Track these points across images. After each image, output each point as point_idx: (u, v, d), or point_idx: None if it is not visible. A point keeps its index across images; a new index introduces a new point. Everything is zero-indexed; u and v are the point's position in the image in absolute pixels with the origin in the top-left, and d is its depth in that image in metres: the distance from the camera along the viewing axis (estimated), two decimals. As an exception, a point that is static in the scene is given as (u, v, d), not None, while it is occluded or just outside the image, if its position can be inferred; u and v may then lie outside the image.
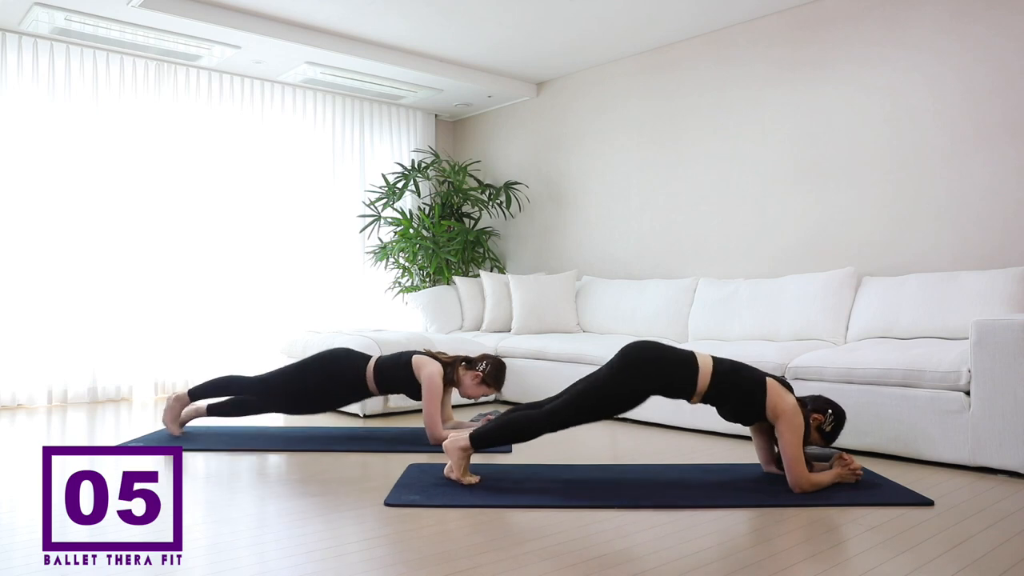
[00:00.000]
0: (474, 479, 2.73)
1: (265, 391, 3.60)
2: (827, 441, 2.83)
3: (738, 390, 2.70)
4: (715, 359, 2.75)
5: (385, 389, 3.62)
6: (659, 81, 5.37)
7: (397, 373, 3.56)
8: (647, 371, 2.70)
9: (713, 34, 5.05)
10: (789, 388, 2.74)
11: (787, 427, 2.63)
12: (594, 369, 4.38)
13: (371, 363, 3.60)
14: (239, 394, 3.65)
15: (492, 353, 4.91)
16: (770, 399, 2.66)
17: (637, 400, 2.71)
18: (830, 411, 2.80)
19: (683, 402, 4.00)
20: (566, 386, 4.46)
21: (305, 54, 5.24)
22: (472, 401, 4.31)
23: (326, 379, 3.58)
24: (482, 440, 2.72)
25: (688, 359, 2.72)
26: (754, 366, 2.85)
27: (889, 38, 4.24)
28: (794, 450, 2.62)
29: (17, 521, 2.38)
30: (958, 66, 3.99)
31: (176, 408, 3.62)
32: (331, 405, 3.71)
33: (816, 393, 3.15)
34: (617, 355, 2.77)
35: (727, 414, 2.78)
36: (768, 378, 2.72)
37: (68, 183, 4.96)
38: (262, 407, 3.64)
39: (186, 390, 3.69)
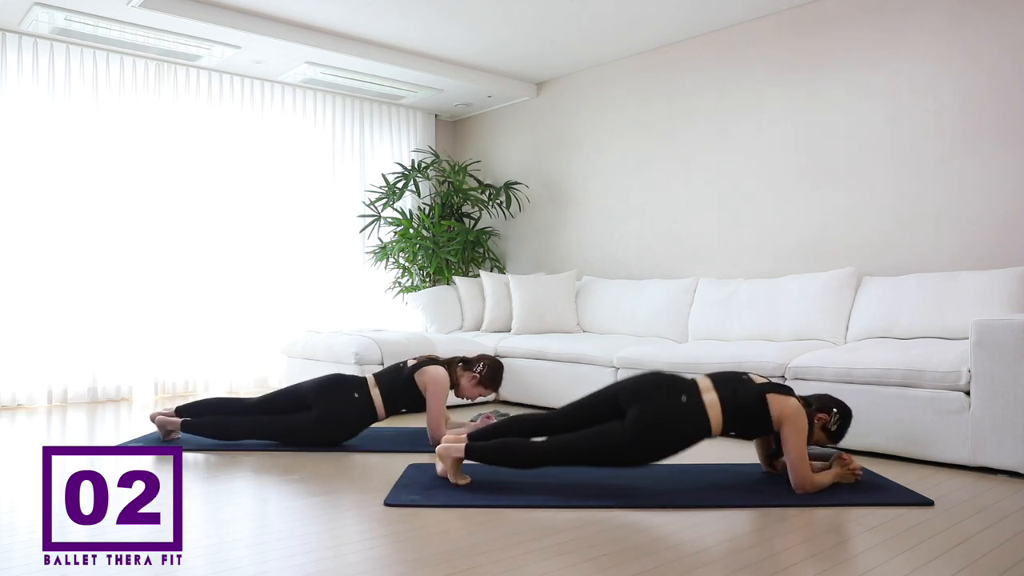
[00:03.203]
0: (465, 480, 2.73)
1: (256, 428, 3.45)
2: (834, 440, 2.81)
3: (748, 419, 2.67)
4: (720, 397, 2.62)
5: (392, 410, 3.54)
6: (659, 81, 5.37)
7: (401, 391, 3.48)
8: (661, 440, 2.62)
9: (713, 34, 5.06)
10: (788, 390, 2.72)
11: (791, 430, 2.61)
12: (593, 368, 4.40)
13: (374, 391, 3.48)
14: (230, 421, 3.50)
15: (491, 353, 4.92)
16: (773, 411, 2.63)
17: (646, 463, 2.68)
18: (835, 410, 2.77)
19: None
20: (565, 385, 4.46)
21: (305, 54, 5.24)
22: (470, 401, 4.31)
23: (331, 423, 3.43)
24: (476, 455, 2.71)
25: (698, 414, 2.59)
26: (751, 376, 2.77)
27: (888, 40, 4.24)
28: (799, 452, 2.61)
29: (17, 521, 2.38)
30: (954, 69, 3.99)
31: (165, 428, 3.52)
32: (338, 441, 3.52)
33: (818, 392, 3.14)
34: (629, 421, 2.59)
35: (741, 436, 2.77)
36: (767, 393, 2.66)
37: (68, 183, 4.96)
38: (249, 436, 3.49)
39: (174, 409, 3.56)
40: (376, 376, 3.56)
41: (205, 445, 3.45)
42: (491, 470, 2.93)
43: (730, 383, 2.70)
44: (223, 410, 3.57)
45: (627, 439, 2.57)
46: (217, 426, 3.46)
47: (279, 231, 5.86)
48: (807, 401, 2.78)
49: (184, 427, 3.47)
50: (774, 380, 2.82)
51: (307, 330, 5.26)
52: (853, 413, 2.88)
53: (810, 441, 2.72)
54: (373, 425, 3.56)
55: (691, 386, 2.67)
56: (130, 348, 5.17)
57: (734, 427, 2.68)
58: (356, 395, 3.46)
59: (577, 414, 2.77)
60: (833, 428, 2.77)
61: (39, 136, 4.88)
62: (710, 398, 2.63)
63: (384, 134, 6.51)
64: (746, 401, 2.66)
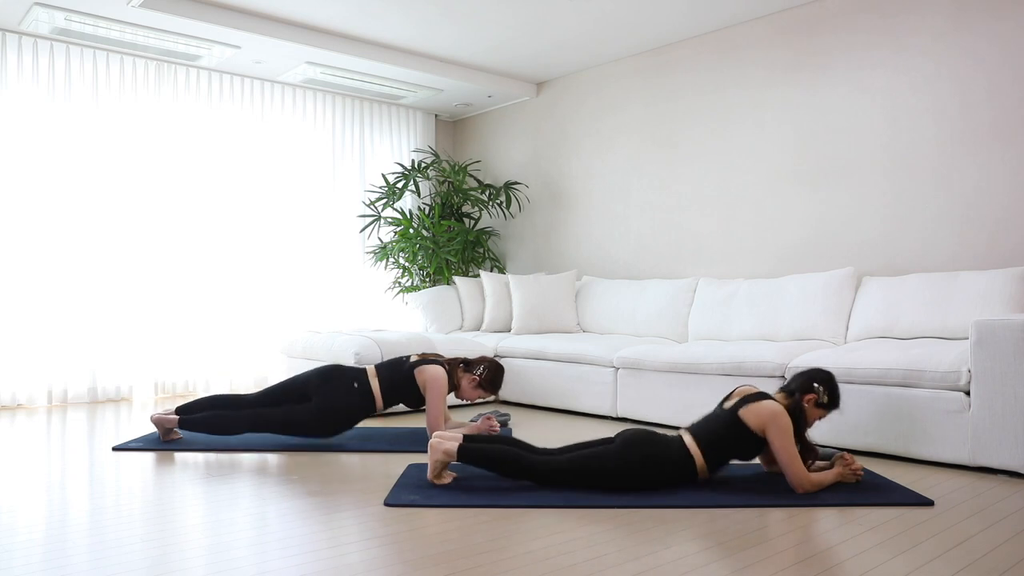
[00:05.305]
0: (448, 478, 2.75)
1: (256, 421, 3.41)
2: (831, 408, 2.80)
3: (729, 441, 2.70)
4: (694, 436, 2.74)
5: (390, 402, 3.56)
6: (659, 81, 5.38)
7: (401, 385, 3.51)
8: (646, 470, 2.68)
9: (713, 34, 5.06)
10: (760, 394, 2.74)
11: (775, 433, 2.64)
12: (593, 368, 4.41)
13: (373, 380, 3.51)
14: (228, 415, 3.44)
15: (491, 355, 4.92)
16: (751, 423, 2.67)
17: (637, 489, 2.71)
18: (815, 384, 2.78)
19: (685, 403, 4.00)
20: (565, 385, 4.48)
21: (305, 54, 5.24)
22: (469, 402, 4.32)
23: (330, 413, 3.42)
24: (468, 455, 2.72)
25: (682, 455, 2.71)
26: (727, 404, 2.82)
27: (887, 40, 4.24)
28: (787, 453, 2.63)
29: (17, 521, 2.38)
30: (954, 69, 3.99)
31: (164, 427, 3.50)
32: (337, 431, 3.53)
33: (794, 375, 3.08)
34: (616, 452, 2.70)
35: (741, 459, 2.79)
36: (738, 411, 2.70)
37: (68, 183, 4.97)
38: (249, 430, 3.44)
39: (174, 408, 3.55)
40: (376, 367, 3.59)
41: (205, 445, 3.45)
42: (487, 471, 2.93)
43: (702, 420, 2.81)
44: (221, 406, 3.56)
45: (615, 458, 2.67)
46: (215, 421, 3.41)
47: (279, 231, 5.87)
48: (788, 390, 2.79)
49: (182, 424, 3.45)
50: (762, 391, 2.81)
51: (307, 330, 5.27)
52: (844, 409, 2.88)
53: (809, 424, 2.76)
54: (373, 425, 3.55)
55: (676, 438, 2.78)
56: (130, 348, 5.17)
57: (717, 452, 2.71)
58: (355, 384, 3.48)
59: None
60: (825, 399, 2.77)
61: (39, 136, 4.88)
62: (688, 438, 2.75)
63: (384, 134, 6.52)
64: (719, 424, 2.72)
